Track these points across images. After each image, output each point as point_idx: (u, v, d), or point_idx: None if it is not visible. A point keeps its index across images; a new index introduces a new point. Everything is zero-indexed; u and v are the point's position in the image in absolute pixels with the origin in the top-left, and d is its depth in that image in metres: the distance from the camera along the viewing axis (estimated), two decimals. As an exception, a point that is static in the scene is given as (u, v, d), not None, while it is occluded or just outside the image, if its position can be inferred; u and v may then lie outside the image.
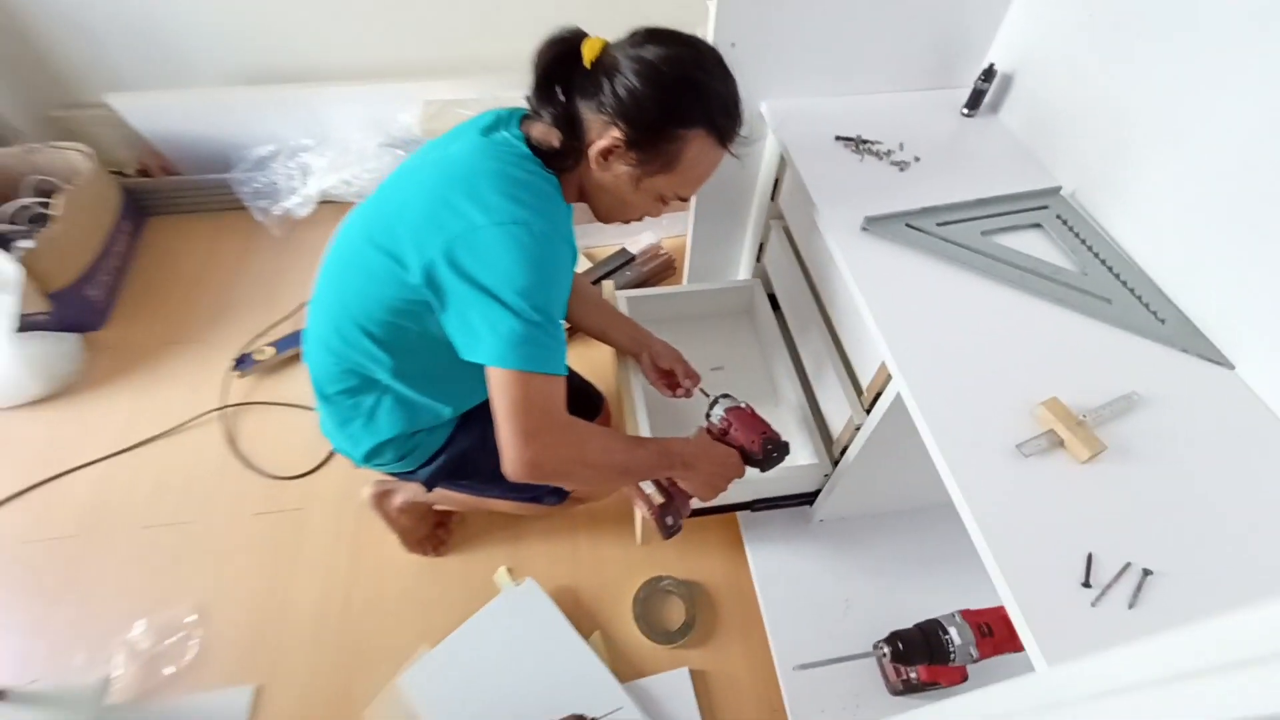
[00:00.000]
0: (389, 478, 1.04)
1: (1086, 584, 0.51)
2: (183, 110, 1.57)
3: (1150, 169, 0.73)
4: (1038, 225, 0.80)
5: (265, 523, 1.16)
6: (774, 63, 0.92)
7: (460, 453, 0.86)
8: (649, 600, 1.06)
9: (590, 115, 0.67)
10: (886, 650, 0.80)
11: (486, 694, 0.96)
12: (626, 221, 0.78)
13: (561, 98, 0.68)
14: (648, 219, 0.80)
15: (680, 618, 1.05)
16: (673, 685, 0.99)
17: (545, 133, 0.70)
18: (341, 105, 1.61)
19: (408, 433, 0.82)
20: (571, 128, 0.68)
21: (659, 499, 0.80)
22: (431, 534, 1.12)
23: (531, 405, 0.63)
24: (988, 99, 0.95)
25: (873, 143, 0.91)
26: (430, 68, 1.63)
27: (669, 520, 0.79)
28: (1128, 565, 0.52)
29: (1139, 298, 0.71)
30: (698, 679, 0.99)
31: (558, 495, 0.96)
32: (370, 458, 0.84)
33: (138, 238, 1.62)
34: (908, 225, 0.79)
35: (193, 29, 1.52)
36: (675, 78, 0.65)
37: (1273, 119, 0.60)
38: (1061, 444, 0.60)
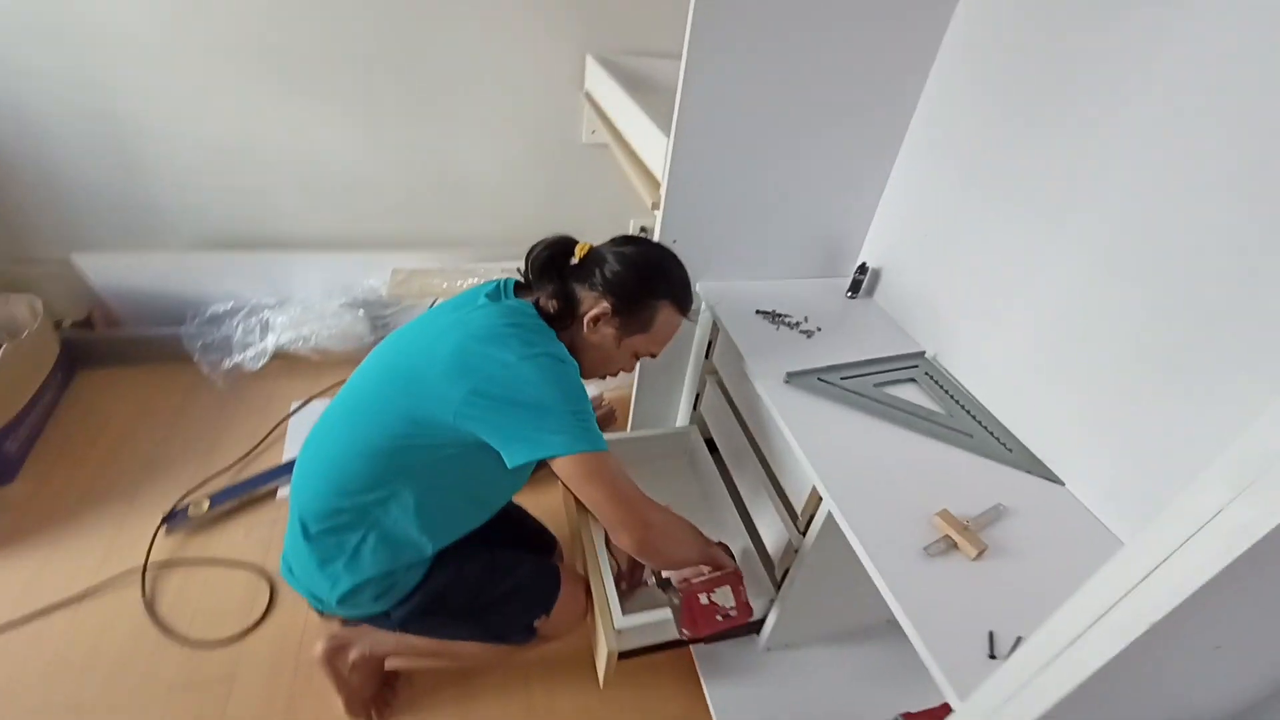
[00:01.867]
0: (343, 633, 1.02)
1: (992, 656, 0.64)
2: (144, 270, 1.64)
3: (980, 339, 1.00)
4: (913, 379, 1.04)
5: (184, 699, 1.06)
6: (706, 254, 1.17)
7: (436, 589, 0.89)
8: (607, 750, 1.05)
9: (583, 292, 0.87)
10: None
11: None
12: (604, 376, 0.95)
13: (558, 279, 0.87)
14: (608, 378, 0.97)
15: (640, 765, 1.04)
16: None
17: (545, 302, 0.88)
18: (306, 270, 1.74)
19: (388, 571, 0.86)
20: (567, 300, 0.87)
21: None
22: (378, 695, 1.06)
23: (618, 478, 0.80)
24: (864, 286, 1.24)
25: (784, 315, 1.15)
26: (395, 241, 1.83)
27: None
28: (1019, 639, 0.66)
29: (990, 433, 0.93)
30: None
31: (526, 634, 0.98)
32: (345, 599, 0.85)
33: (65, 389, 1.58)
34: (819, 379, 1.00)
35: (162, 197, 1.63)
36: (648, 264, 0.89)
37: (1061, 301, 0.88)
38: (955, 546, 0.75)
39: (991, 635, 0.66)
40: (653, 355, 0.96)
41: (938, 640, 0.64)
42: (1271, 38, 0.63)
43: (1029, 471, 0.88)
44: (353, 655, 1.01)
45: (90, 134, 1.51)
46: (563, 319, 0.87)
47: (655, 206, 1.13)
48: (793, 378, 0.99)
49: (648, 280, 0.89)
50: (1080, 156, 0.82)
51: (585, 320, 0.87)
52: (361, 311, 1.76)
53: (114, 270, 1.62)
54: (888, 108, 1.09)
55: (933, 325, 1.10)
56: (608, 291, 0.87)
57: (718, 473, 1.24)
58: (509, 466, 0.76)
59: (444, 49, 1.58)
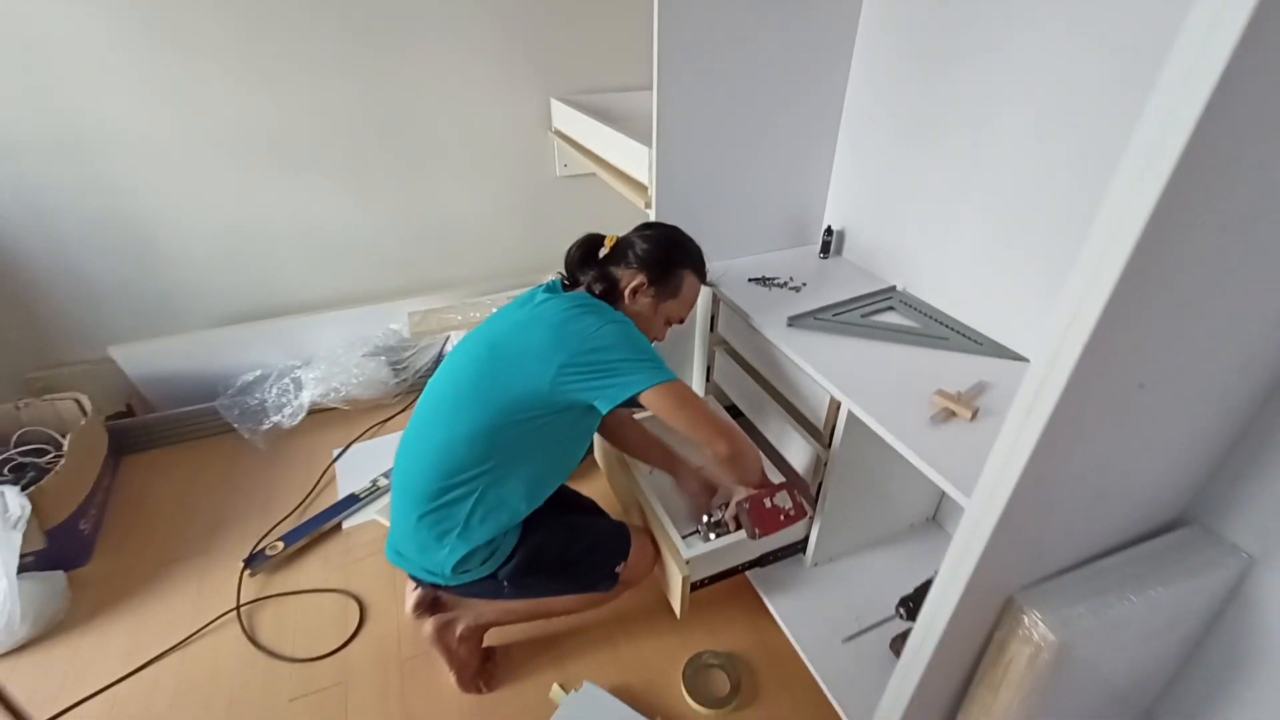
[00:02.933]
0: (448, 611, 1.14)
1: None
2: (173, 354, 1.75)
3: (936, 264, 1.20)
4: (891, 307, 1.23)
5: (305, 705, 1.15)
6: (695, 238, 1.36)
7: (533, 547, 1.03)
8: (695, 676, 1.18)
9: (620, 271, 1.07)
10: (902, 611, 1.01)
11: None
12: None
13: (597, 267, 1.06)
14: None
15: (726, 685, 1.17)
16: None
17: (591, 286, 1.06)
18: (321, 330, 1.88)
19: (493, 537, 0.99)
20: (609, 281, 1.05)
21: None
22: (482, 668, 1.18)
23: (700, 401, 1.01)
24: (833, 246, 1.44)
25: (773, 279, 1.34)
26: (395, 291, 1.97)
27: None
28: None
29: (962, 334, 1.13)
30: (765, 731, 1.10)
31: (610, 581, 1.11)
32: (459, 566, 0.99)
33: (116, 475, 1.67)
34: (815, 319, 1.18)
35: (180, 283, 1.76)
36: (671, 240, 1.10)
37: (988, 217, 1.09)
38: (953, 414, 0.93)
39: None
40: (680, 321, 1.15)
41: (951, 475, 0.82)
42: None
43: (999, 356, 1.07)
44: (459, 629, 1.12)
45: (109, 234, 1.64)
46: (609, 298, 1.06)
47: (648, 205, 1.32)
48: (794, 320, 1.17)
49: (673, 253, 1.10)
50: (980, 97, 1.05)
51: (626, 293, 1.06)
52: (383, 358, 1.89)
53: (145, 358, 1.73)
54: (824, 90, 1.32)
55: (896, 263, 1.31)
56: (642, 267, 1.06)
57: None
58: (603, 411, 0.94)
59: (423, 112, 1.77)
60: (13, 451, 1.51)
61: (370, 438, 1.82)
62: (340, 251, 1.88)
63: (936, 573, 0.77)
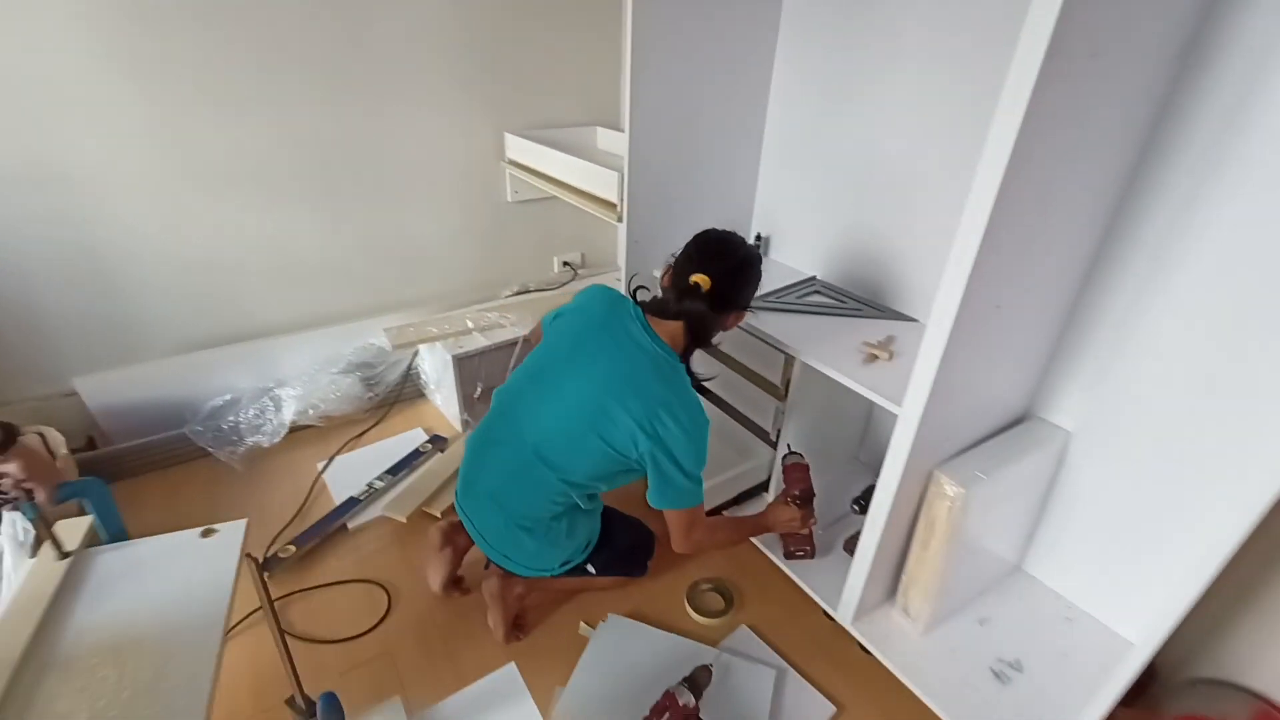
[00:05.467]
0: (506, 575, 1.32)
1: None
2: (139, 383, 1.74)
3: (838, 258, 1.58)
4: (817, 291, 1.59)
5: (359, 676, 1.26)
6: (659, 243, 1.63)
7: (609, 542, 1.33)
8: (695, 598, 1.43)
9: (719, 313, 1.18)
10: (855, 507, 1.35)
11: (626, 694, 1.21)
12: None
13: (690, 307, 1.15)
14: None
15: (720, 601, 1.44)
16: (743, 639, 1.35)
17: (674, 334, 1.18)
18: (294, 350, 1.94)
19: (587, 538, 1.27)
20: (702, 324, 1.18)
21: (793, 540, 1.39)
22: (518, 620, 1.36)
23: (696, 522, 1.20)
24: (763, 249, 1.80)
25: (721, 276, 1.66)
26: (361, 311, 2.08)
27: (796, 550, 1.38)
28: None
29: (871, 306, 1.50)
30: (756, 630, 1.37)
31: (644, 569, 1.41)
32: (564, 563, 1.25)
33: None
34: (763, 302, 1.51)
35: (144, 312, 1.75)
36: (753, 271, 1.21)
37: (864, 214, 1.48)
38: (876, 357, 1.28)
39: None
40: None
41: (885, 395, 1.16)
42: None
43: (898, 319, 1.45)
44: (518, 589, 1.33)
45: (73, 265, 1.62)
46: (688, 351, 1.21)
47: (619, 219, 1.60)
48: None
49: (756, 283, 1.23)
50: (866, 123, 1.44)
51: (728, 326, 1.22)
52: (356, 374, 1.98)
53: (111, 389, 1.71)
54: (750, 127, 1.68)
55: (813, 258, 1.68)
56: (743, 307, 1.21)
57: (718, 408, 1.70)
58: (648, 500, 1.17)
59: (388, 144, 1.93)
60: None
61: (349, 450, 1.90)
62: (309, 275, 1.96)
63: (873, 483, 1.11)
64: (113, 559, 1.29)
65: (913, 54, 1.32)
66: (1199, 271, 1.01)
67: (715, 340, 1.26)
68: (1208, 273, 1.00)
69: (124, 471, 1.73)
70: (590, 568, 1.32)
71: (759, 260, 1.23)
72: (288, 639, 1.32)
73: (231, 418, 1.80)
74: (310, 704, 1.01)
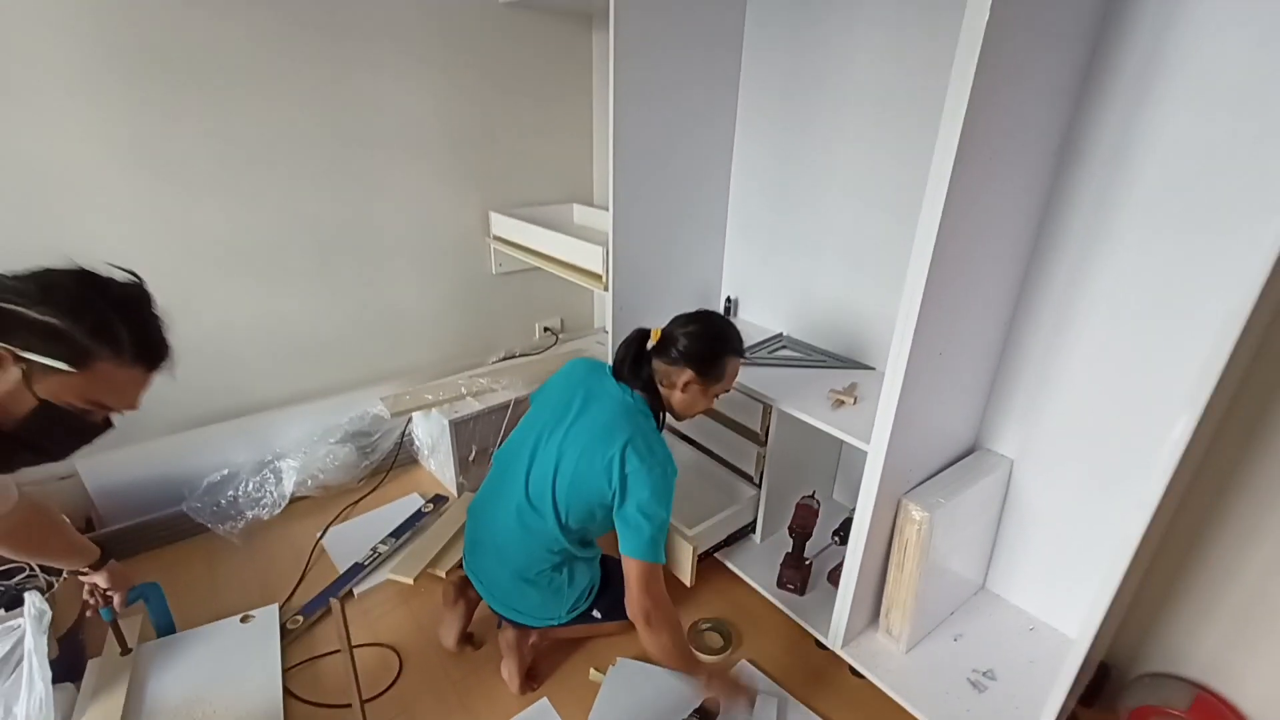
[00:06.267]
0: (521, 628, 1.39)
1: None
2: (137, 462, 1.77)
3: (803, 316, 1.78)
4: (785, 347, 1.78)
5: (377, 735, 1.30)
6: (643, 309, 1.81)
7: (609, 585, 1.40)
8: (696, 638, 1.53)
9: (666, 365, 1.27)
10: (836, 538, 1.48)
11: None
12: (694, 415, 1.40)
13: (644, 367, 1.28)
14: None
15: (720, 639, 1.53)
16: (747, 672, 1.44)
17: (641, 389, 1.30)
18: (290, 422, 2.00)
19: (589, 583, 1.36)
20: (654, 384, 1.29)
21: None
22: (531, 670, 1.42)
23: (656, 580, 1.21)
24: (733, 310, 1.99)
25: (699, 335, 1.84)
26: (355, 382, 2.16)
27: (787, 583, 1.51)
28: (885, 424, 1.36)
29: (833, 357, 1.69)
30: (755, 663, 1.47)
31: None
32: (571, 610, 1.33)
33: (84, 592, 1.62)
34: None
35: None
36: (712, 336, 1.28)
37: (829, 276, 1.68)
38: (843, 402, 1.45)
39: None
40: (726, 391, 1.36)
41: (855, 434, 1.32)
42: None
43: (857, 368, 1.64)
44: (532, 639, 1.40)
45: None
46: (658, 408, 1.32)
47: (605, 288, 1.77)
48: (726, 359, 1.66)
49: (716, 347, 1.26)
50: (816, 203, 1.67)
51: (678, 389, 1.27)
52: (351, 444, 2.05)
53: (110, 469, 1.73)
54: (715, 201, 1.89)
55: (778, 316, 1.88)
56: (689, 363, 1.24)
57: (703, 455, 1.84)
58: (620, 547, 1.22)
59: (382, 223, 2.08)
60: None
61: (346, 519, 1.94)
62: (305, 349, 2.04)
63: (850, 514, 1.26)
64: (168, 650, 1.41)
65: (853, 140, 1.56)
66: (1096, 316, 1.23)
67: (681, 403, 1.31)
68: (1103, 317, 1.22)
69: (123, 551, 1.73)
70: (596, 613, 1.41)
71: (723, 326, 1.30)
72: (305, 703, 1.35)
73: (230, 492, 1.84)
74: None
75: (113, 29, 1.53)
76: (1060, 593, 1.42)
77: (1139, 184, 1.13)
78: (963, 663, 1.36)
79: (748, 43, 1.72)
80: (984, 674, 1.33)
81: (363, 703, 1.09)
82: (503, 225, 2.23)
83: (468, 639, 1.49)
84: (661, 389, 1.31)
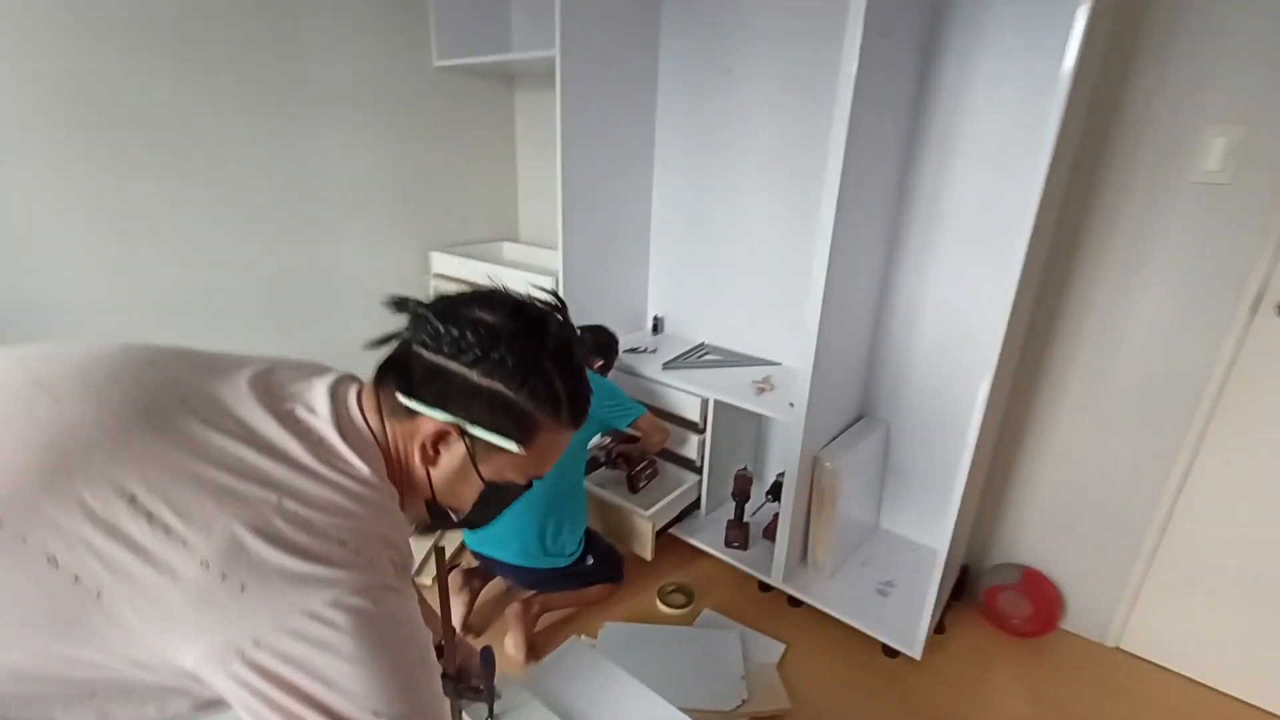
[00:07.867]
0: (527, 597, 1.61)
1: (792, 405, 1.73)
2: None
3: (720, 325, 2.17)
4: (708, 353, 2.15)
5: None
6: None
7: (593, 540, 1.69)
8: (665, 598, 1.82)
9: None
10: (769, 496, 1.85)
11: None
12: None
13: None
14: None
15: (684, 597, 1.84)
16: (709, 619, 1.76)
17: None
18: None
19: (582, 535, 1.64)
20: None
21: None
22: (531, 643, 1.64)
23: (652, 419, 1.64)
24: (661, 326, 2.34)
25: (638, 348, 2.16)
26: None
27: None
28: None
29: (749, 357, 2.09)
30: (717, 610, 1.79)
31: (621, 574, 1.78)
32: (573, 553, 1.60)
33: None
34: (675, 364, 2.02)
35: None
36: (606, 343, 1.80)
37: (727, 277, 2.09)
38: (764, 390, 1.84)
39: (792, 404, 1.75)
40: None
41: (775, 411, 1.70)
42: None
43: (768, 364, 2.05)
44: (535, 609, 1.62)
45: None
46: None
47: (556, 314, 2.04)
48: (666, 365, 2.00)
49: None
50: (725, 231, 2.07)
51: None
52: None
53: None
54: (639, 229, 2.25)
55: (699, 328, 2.26)
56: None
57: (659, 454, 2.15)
58: (623, 429, 1.62)
59: (327, 266, 2.21)
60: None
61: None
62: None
63: (779, 477, 1.64)
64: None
65: (753, 189, 1.98)
66: (932, 313, 1.72)
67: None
68: (936, 314, 1.71)
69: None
70: (589, 559, 1.67)
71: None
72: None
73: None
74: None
75: (80, 92, 1.60)
76: (929, 521, 1.89)
77: (948, 214, 1.63)
78: (871, 578, 1.77)
79: (661, 89, 2.08)
80: (886, 584, 1.75)
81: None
82: (442, 263, 2.42)
83: (469, 628, 1.68)
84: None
